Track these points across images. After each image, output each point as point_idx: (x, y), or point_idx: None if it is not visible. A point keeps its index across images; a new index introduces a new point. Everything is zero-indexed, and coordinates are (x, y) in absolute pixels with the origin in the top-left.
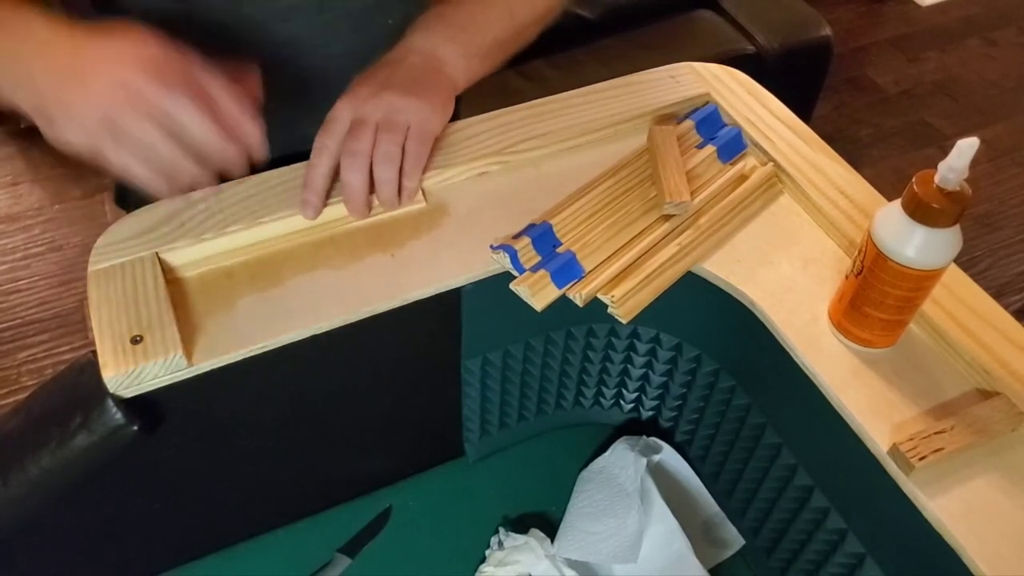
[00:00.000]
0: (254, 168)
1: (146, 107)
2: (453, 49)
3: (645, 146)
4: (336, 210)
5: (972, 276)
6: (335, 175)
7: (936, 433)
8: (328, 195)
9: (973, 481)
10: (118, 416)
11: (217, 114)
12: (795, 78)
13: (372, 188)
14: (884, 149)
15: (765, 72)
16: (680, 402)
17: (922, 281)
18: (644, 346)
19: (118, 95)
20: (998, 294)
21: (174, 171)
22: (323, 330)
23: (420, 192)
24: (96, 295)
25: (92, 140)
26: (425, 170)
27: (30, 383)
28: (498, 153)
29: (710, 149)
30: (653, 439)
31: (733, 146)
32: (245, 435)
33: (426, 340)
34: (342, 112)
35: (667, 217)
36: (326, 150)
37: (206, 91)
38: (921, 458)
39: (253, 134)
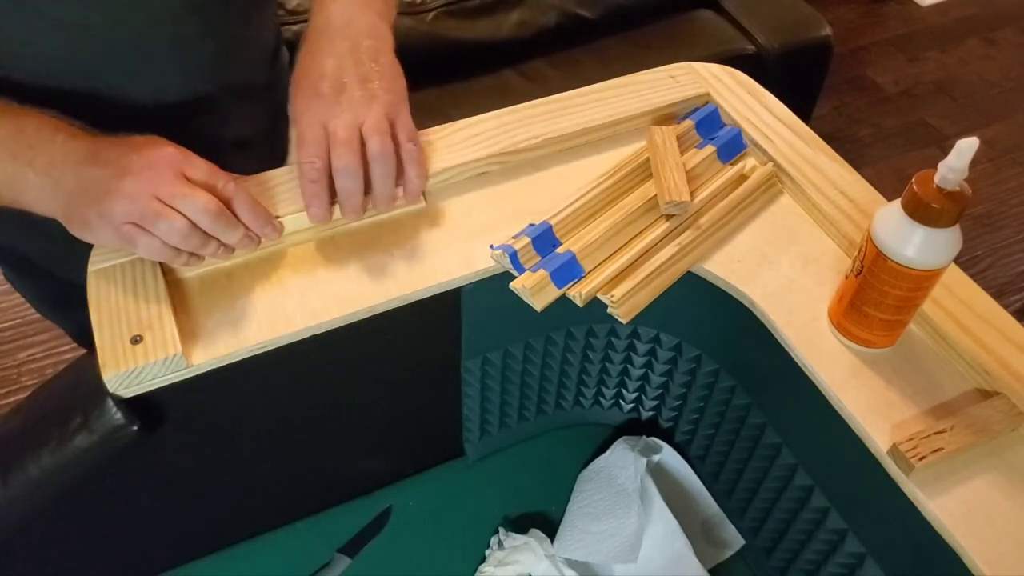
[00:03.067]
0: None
1: (168, 213)
2: (370, 15)
3: (645, 146)
4: (336, 210)
5: (972, 276)
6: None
7: (936, 433)
8: (332, 199)
9: (973, 481)
10: (118, 416)
11: (232, 209)
12: (795, 78)
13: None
14: (884, 149)
15: (765, 72)
16: (680, 402)
17: (922, 281)
18: (644, 346)
19: (148, 205)
20: (998, 294)
21: (195, 253)
22: (323, 330)
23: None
24: (96, 295)
25: (127, 241)
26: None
27: (30, 383)
28: (498, 153)
29: (710, 149)
30: (653, 439)
31: (733, 146)
32: (245, 435)
33: (426, 340)
34: (314, 130)
35: (667, 217)
36: (314, 162)
37: (226, 190)
38: (921, 458)
39: (268, 230)
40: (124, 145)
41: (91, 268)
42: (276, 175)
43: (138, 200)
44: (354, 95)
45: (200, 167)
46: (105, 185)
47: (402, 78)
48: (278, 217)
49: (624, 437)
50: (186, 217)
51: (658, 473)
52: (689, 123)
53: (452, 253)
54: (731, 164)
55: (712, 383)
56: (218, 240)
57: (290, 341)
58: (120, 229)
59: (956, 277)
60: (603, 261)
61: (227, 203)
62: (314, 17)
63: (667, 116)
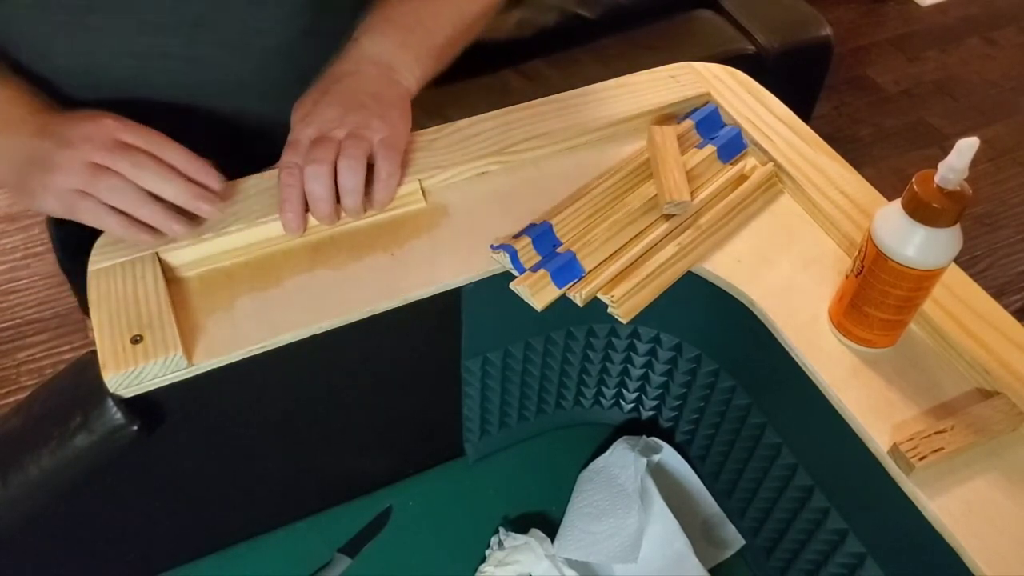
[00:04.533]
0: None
1: (112, 176)
2: (405, 55)
3: (645, 146)
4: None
5: (972, 276)
6: None
7: (936, 433)
8: (307, 209)
9: (973, 481)
10: (118, 416)
11: (175, 166)
12: (795, 78)
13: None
14: (884, 149)
15: (765, 72)
16: (680, 402)
17: (922, 281)
18: (644, 346)
19: (86, 171)
20: (998, 294)
21: (147, 220)
22: (323, 330)
23: (420, 192)
24: (96, 294)
25: (69, 210)
26: (419, 172)
27: (30, 383)
28: (498, 153)
29: (710, 149)
30: (653, 439)
31: (733, 146)
32: (245, 435)
33: (426, 340)
34: (304, 133)
35: (667, 217)
36: (296, 167)
37: (162, 151)
38: (921, 458)
39: (211, 177)
40: (68, 119)
41: (91, 268)
42: (276, 175)
43: (77, 168)
44: (356, 119)
45: (137, 132)
46: (47, 156)
47: (407, 119)
48: (279, 218)
49: (624, 437)
50: (124, 176)
51: (658, 473)
52: (689, 123)
53: (452, 253)
54: (731, 164)
55: (712, 383)
56: (163, 203)
57: (290, 341)
58: (63, 197)
59: (956, 277)
60: (603, 261)
61: (170, 164)
62: (353, 42)
63: (667, 116)
